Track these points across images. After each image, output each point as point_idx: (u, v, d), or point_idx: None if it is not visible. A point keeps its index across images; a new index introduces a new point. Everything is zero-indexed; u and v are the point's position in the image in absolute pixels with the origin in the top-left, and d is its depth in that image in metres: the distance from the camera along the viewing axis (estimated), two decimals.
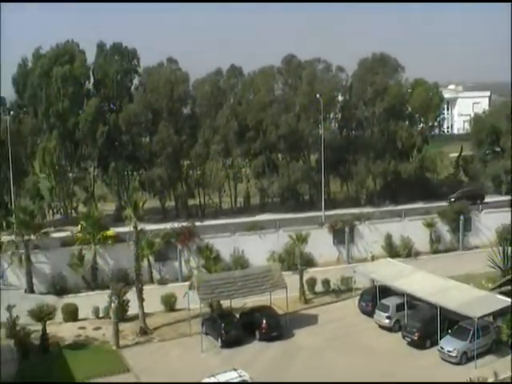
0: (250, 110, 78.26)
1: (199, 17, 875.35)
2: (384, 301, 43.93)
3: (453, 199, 74.53)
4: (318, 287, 50.64)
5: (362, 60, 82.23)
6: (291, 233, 55.03)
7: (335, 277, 51.25)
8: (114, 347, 41.07)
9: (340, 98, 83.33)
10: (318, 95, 73.03)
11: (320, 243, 57.79)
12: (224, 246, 56.71)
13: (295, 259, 53.30)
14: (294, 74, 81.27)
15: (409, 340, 40.46)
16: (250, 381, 33.11)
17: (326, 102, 74.29)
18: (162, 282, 54.32)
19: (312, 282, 50.41)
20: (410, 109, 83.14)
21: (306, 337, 42.03)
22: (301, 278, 48.93)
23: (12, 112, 75.81)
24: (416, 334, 39.96)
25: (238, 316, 43.73)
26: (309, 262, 55.26)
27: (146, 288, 46.21)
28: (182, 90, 77.64)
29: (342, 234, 59.92)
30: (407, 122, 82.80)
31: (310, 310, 46.93)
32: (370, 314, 44.67)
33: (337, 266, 57.03)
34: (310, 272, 52.20)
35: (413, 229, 60.76)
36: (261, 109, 77.75)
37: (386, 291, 44.90)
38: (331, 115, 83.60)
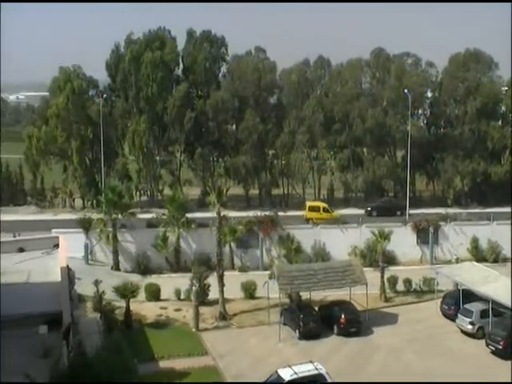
0: (337, 102, 77.82)
1: (289, 7, 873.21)
2: (468, 306, 42.75)
3: (369, 208, 70.68)
4: (399, 286, 49.90)
5: (453, 55, 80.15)
6: (374, 229, 54.49)
7: (417, 277, 50.31)
8: (194, 329, 41.91)
9: (429, 94, 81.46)
10: (406, 90, 71.66)
11: (403, 242, 56.88)
12: (305, 237, 56.80)
13: (377, 256, 52.75)
14: (382, 68, 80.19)
15: (493, 348, 39.12)
16: (325, 375, 32.92)
17: (414, 98, 72.85)
18: (243, 269, 54.93)
19: (393, 281, 49.75)
20: (503, 108, 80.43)
21: (385, 336, 41.44)
22: (382, 276, 48.41)
23: (105, 95, 78.06)
24: (501, 343, 38.55)
25: (316, 309, 43.69)
26: (390, 260, 54.60)
27: (227, 274, 46.86)
28: (270, 79, 78.14)
29: (426, 233, 58.79)
30: (500, 122, 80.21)
31: (390, 308, 46.30)
32: (452, 318, 43.55)
33: (419, 266, 55.94)
34: (392, 270, 51.56)
35: (501, 233, 58.68)
36: (347, 101, 77.16)
37: (469, 296, 43.62)
38: (419, 111, 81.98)
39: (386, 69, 79.48)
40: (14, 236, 51.17)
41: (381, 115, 76.30)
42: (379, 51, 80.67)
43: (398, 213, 68.61)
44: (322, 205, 68.50)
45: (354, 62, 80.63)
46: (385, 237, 52.52)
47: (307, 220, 64.86)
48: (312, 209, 67.23)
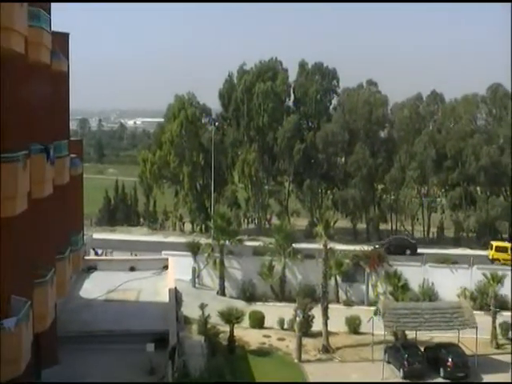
0: (450, 138, 75.92)
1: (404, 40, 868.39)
2: None
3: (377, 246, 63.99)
4: None
5: None
6: (486, 271, 52.28)
7: None
8: (296, 360, 41.69)
9: None
10: None
11: None
12: (413, 275, 55.20)
13: (488, 300, 50.51)
14: (499, 104, 77.58)
15: None
16: None
17: None
18: (348, 303, 54.20)
19: (506, 327, 47.37)
20: None
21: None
22: (493, 321, 46.29)
23: (217, 123, 79.98)
24: None
25: (422, 349, 42.28)
26: (503, 305, 51.81)
27: (331, 307, 46.44)
28: (381, 112, 77.62)
29: None
30: None
31: (502, 356, 44.03)
32: None
33: None
34: (504, 316, 49.09)
35: None
36: (461, 138, 75.12)
37: None
38: None
39: (503, 105, 76.93)
40: (132, 255, 53.06)
41: (496, 153, 73.73)
42: (496, 86, 78.15)
43: (408, 252, 65.13)
44: (508, 245, 65.15)
45: (470, 97, 78.72)
46: (498, 280, 50.24)
47: (493, 260, 62.91)
48: (499, 249, 64.54)
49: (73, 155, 31.33)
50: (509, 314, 51.10)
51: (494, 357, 43.78)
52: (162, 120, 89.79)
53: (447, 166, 75.73)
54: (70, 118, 34.28)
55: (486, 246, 71.28)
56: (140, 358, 27.57)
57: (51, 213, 25.20)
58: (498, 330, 46.62)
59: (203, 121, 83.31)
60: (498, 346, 45.60)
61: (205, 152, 78.69)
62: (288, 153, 77.12)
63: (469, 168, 74.50)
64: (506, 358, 43.71)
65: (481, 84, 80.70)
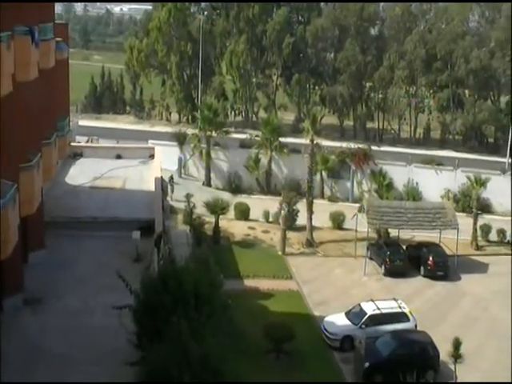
0: (440, 39, 74.61)
1: None
2: None
3: None
4: (492, 236, 48.02)
5: None
6: (470, 174, 52.36)
7: None
8: (280, 253, 42.20)
9: None
10: None
11: (500, 191, 54.45)
12: (398, 174, 55.36)
13: (471, 202, 50.94)
14: (492, 6, 75.72)
15: None
16: (408, 314, 32.38)
17: None
18: (332, 199, 54.48)
19: (486, 229, 47.91)
20: None
21: (473, 284, 40.12)
22: (474, 223, 46.69)
23: (206, 13, 77.70)
24: None
25: (404, 247, 42.97)
26: (485, 208, 52.29)
27: (316, 202, 46.72)
28: (372, 9, 76.76)
29: None
30: None
31: (481, 257, 44.68)
32: None
33: None
34: (485, 219, 49.57)
35: None
36: (452, 39, 73.82)
37: None
38: None
39: (497, 8, 75.03)
40: (117, 143, 52.45)
41: (487, 56, 72.62)
42: None
43: None
44: None
45: None
46: (481, 183, 50.39)
47: None
48: None
49: (58, 39, 30.40)
50: (490, 217, 51.91)
51: (473, 258, 44.51)
52: (150, 7, 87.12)
53: (436, 67, 74.82)
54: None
55: (472, 149, 71.66)
56: (126, 244, 27.63)
57: (37, 97, 24.55)
58: (479, 232, 47.21)
59: (192, 10, 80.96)
60: (478, 248, 46.26)
61: (193, 42, 77.02)
62: (277, 46, 76.21)
63: (458, 70, 73.65)
64: (484, 259, 44.49)
65: None
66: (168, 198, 44.28)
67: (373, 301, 32.93)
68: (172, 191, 49.83)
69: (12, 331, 20.81)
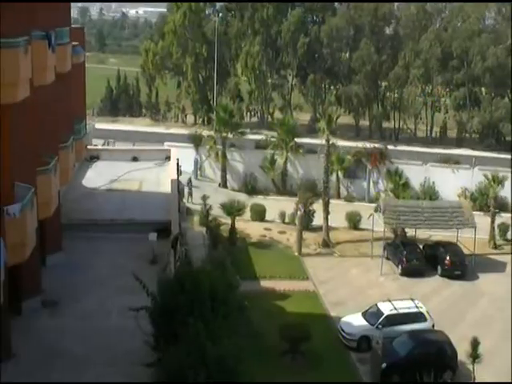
0: (456, 37, 73.75)
1: None
2: None
3: None
4: (510, 235, 47.77)
5: None
6: (487, 172, 52.06)
7: None
8: (296, 253, 42.21)
9: None
10: None
11: None
12: (414, 174, 55.24)
13: (488, 201, 50.64)
14: (510, 3, 75.01)
15: None
16: (426, 314, 32.24)
17: None
18: (349, 199, 54.40)
19: (504, 228, 47.56)
20: None
21: (491, 283, 39.78)
22: (492, 221, 46.35)
23: (221, 14, 77.89)
24: None
25: (421, 247, 42.80)
26: (503, 207, 51.82)
27: (332, 202, 46.63)
28: (387, 8, 76.12)
29: None
30: None
31: (499, 256, 44.31)
32: None
33: None
34: (503, 217, 49.28)
35: None
36: (468, 37, 72.96)
37: None
38: None
39: None
40: (133, 145, 52.78)
41: (504, 54, 71.78)
42: None
43: None
44: None
45: None
46: (499, 181, 50.13)
47: None
48: None
49: (75, 43, 30.70)
50: (508, 215, 51.52)
51: (491, 256, 44.17)
52: (165, 10, 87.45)
53: (452, 66, 74.11)
54: (71, 5, 33.36)
55: (489, 147, 71.14)
56: (142, 246, 27.77)
57: (54, 101, 24.85)
58: (497, 231, 46.85)
59: (207, 12, 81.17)
60: (496, 247, 45.94)
61: (208, 43, 77.09)
62: (292, 46, 76.04)
63: (474, 68, 72.83)
64: (502, 258, 44.13)
65: None
66: (184, 200, 44.50)
67: (390, 301, 32.82)
68: (190, 194, 50.02)
69: (30, 333, 21.06)
